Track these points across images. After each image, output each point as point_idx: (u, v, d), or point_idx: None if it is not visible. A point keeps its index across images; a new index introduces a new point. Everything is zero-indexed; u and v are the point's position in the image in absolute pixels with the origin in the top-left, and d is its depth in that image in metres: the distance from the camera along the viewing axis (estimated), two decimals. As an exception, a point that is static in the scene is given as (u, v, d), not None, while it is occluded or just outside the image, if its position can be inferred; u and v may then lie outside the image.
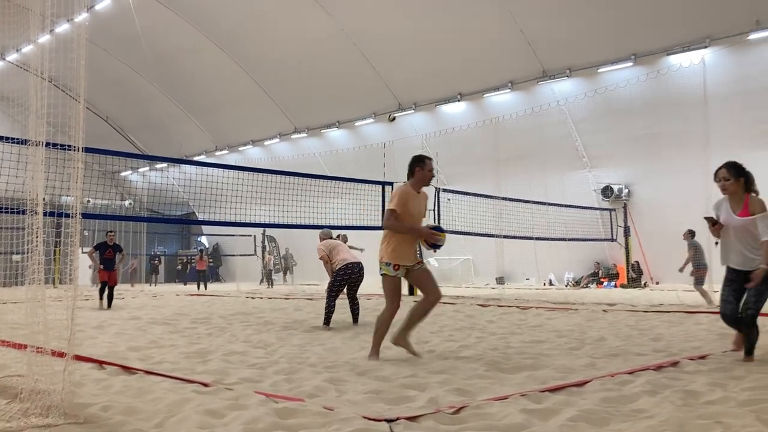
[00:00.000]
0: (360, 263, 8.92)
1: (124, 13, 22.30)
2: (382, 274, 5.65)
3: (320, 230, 9.68)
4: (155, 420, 3.49)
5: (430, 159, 5.81)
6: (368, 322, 8.74)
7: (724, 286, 5.42)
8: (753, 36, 16.70)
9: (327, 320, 8.54)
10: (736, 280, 5.34)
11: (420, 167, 5.70)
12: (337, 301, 8.75)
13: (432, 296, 5.64)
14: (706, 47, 17.25)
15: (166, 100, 30.72)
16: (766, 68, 17.19)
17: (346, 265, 8.66)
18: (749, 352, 5.24)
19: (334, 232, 10.21)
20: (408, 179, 5.79)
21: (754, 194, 5.38)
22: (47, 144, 3.98)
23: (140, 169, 33.96)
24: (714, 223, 5.48)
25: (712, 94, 15.95)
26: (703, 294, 12.11)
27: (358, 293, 9.19)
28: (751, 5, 16.37)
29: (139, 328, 8.78)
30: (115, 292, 13.33)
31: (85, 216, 4.45)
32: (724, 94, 17.06)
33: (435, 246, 5.71)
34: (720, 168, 5.45)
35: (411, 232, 5.64)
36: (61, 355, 3.56)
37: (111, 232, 13.57)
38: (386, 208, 5.68)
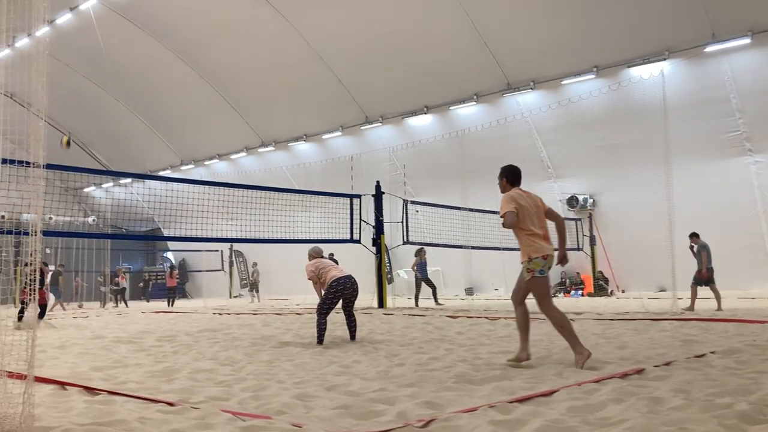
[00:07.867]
0: (352, 277, 8.37)
1: (85, 27, 22.08)
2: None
3: (310, 247, 8.87)
4: (119, 442, 3.42)
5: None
6: (364, 339, 8.55)
7: None
8: (709, 48, 17.20)
9: (320, 338, 8.10)
10: None
11: None
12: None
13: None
14: (665, 59, 17.70)
15: (129, 114, 30.32)
16: (721, 79, 17.69)
17: (338, 280, 8.16)
18: None
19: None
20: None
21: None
22: (5, 161, 3.90)
23: (104, 185, 33.43)
24: None
25: (671, 105, 16.30)
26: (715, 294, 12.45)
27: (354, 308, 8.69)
28: (707, 19, 16.87)
29: (103, 347, 8.59)
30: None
31: (46, 234, 4.35)
32: (683, 105, 17.46)
33: None
34: None
35: None
36: (21, 377, 3.46)
37: None
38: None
